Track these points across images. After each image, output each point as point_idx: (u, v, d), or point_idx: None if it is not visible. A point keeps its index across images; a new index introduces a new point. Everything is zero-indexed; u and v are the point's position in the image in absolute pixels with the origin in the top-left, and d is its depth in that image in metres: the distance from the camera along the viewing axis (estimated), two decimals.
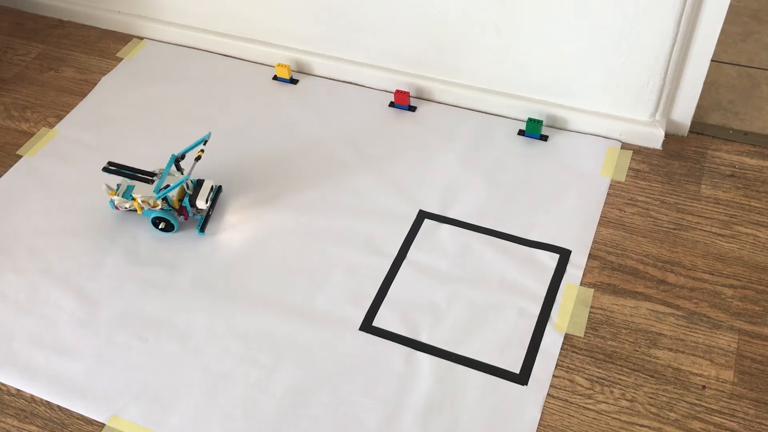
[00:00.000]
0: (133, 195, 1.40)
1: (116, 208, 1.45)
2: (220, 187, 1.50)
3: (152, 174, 1.44)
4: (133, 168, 1.45)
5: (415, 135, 1.61)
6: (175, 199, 1.41)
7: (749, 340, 1.24)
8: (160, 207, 1.41)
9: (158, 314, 1.33)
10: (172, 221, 1.42)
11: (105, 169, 1.45)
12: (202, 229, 1.44)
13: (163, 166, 1.50)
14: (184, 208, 1.43)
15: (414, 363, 1.24)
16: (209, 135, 1.45)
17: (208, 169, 1.56)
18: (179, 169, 1.45)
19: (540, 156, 1.55)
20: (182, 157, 1.45)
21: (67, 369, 1.27)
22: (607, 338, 1.25)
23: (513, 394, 1.19)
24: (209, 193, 1.43)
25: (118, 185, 1.44)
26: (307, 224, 1.45)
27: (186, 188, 1.43)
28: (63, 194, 1.55)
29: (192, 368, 1.25)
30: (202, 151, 1.43)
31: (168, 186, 1.39)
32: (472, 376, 1.21)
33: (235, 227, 1.46)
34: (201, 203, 1.41)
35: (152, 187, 1.41)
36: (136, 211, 1.45)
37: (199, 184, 1.44)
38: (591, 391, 1.19)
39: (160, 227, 1.44)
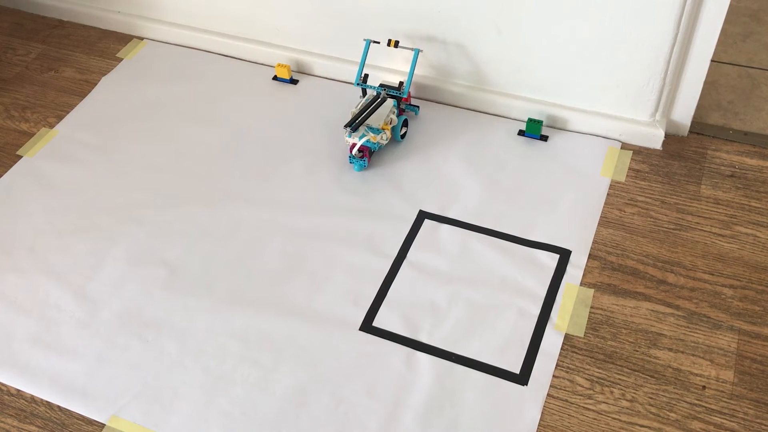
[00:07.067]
0: (378, 126, 1.50)
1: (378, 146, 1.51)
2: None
3: (378, 95, 1.53)
4: (362, 110, 1.50)
5: (415, 135, 1.61)
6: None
7: (749, 340, 1.24)
8: (396, 114, 1.56)
9: (158, 314, 1.33)
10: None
11: (350, 127, 1.48)
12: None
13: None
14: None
15: (414, 363, 1.24)
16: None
17: (201, 165, 1.56)
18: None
19: (540, 156, 1.55)
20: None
21: (67, 369, 1.27)
22: (607, 338, 1.25)
23: (513, 394, 1.19)
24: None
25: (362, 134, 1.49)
26: (307, 224, 1.45)
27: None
28: (63, 194, 1.55)
29: (192, 368, 1.25)
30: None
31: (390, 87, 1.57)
32: (472, 376, 1.21)
33: (237, 224, 1.46)
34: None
35: (383, 109, 1.52)
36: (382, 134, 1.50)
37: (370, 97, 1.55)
38: (591, 392, 1.19)
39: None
